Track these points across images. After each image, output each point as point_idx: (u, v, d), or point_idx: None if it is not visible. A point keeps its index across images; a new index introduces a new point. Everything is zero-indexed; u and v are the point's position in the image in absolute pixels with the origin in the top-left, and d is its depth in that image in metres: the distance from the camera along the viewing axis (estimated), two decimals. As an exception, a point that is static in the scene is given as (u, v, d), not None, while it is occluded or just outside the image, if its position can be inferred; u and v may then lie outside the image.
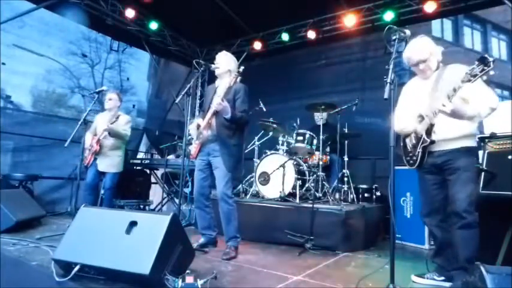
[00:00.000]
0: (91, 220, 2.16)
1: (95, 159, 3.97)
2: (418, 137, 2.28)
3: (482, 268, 1.47)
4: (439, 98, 2.05)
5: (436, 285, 2.24)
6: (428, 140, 2.19)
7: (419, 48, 2.26)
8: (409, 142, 2.39)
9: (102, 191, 4.13)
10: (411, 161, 2.35)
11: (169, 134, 6.20)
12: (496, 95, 2.13)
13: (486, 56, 1.83)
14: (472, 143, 2.21)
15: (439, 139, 2.18)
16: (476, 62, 1.86)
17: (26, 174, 4.52)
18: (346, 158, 4.40)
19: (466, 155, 2.17)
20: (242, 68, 2.92)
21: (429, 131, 2.19)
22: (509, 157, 2.40)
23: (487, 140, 2.67)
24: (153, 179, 5.63)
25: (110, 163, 3.99)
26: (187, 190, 4.51)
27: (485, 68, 1.82)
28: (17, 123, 4.82)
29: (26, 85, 5.09)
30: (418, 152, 2.27)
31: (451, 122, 2.12)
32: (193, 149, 2.98)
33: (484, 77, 1.87)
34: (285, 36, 5.83)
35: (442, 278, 2.25)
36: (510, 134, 2.56)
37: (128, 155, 5.43)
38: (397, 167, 2.36)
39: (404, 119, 2.37)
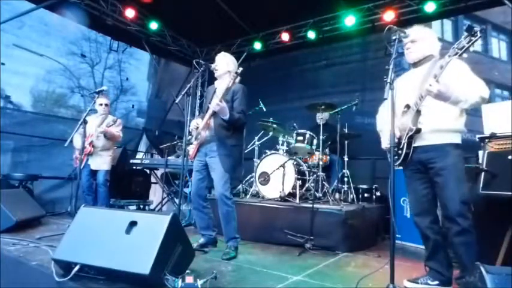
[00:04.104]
0: (91, 220, 2.16)
1: (87, 159, 4.06)
2: (403, 129, 2.15)
3: (482, 268, 1.47)
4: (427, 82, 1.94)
5: None
6: (414, 128, 2.04)
7: (417, 28, 2.23)
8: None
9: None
10: (396, 157, 2.18)
11: (169, 134, 6.20)
12: (486, 86, 2.00)
13: (473, 25, 1.76)
14: (458, 139, 2.11)
15: (425, 131, 2.05)
16: (464, 34, 1.77)
17: (26, 174, 4.52)
18: (346, 158, 4.41)
19: (453, 152, 2.05)
20: (241, 69, 2.91)
21: (415, 120, 2.06)
22: (509, 157, 2.33)
23: (487, 140, 2.67)
24: (153, 179, 5.63)
25: (102, 161, 4.14)
26: (187, 190, 4.51)
27: (473, 38, 1.74)
28: (17, 123, 4.82)
29: (26, 85, 5.09)
30: (403, 144, 2.13)
31: (438, 113, 2.04)
32: (191, 149, 2.98)
33: (472, 48, 1.76)
34: (285, 36, 5.83)
35: (436, 282, 2.14)
36: (510, 134, 2.54)
37: (127, 154, 5.44)
38: (397, 167, 2.33)
39: (385, 115, 2.22)
